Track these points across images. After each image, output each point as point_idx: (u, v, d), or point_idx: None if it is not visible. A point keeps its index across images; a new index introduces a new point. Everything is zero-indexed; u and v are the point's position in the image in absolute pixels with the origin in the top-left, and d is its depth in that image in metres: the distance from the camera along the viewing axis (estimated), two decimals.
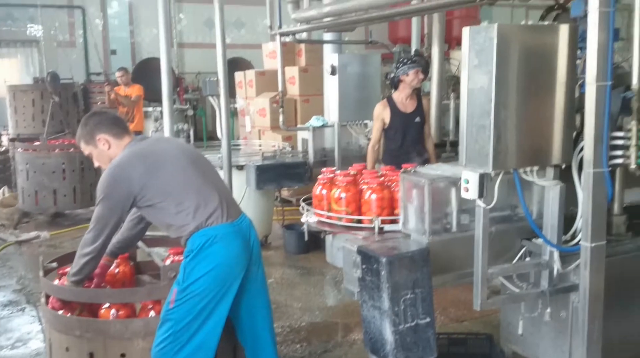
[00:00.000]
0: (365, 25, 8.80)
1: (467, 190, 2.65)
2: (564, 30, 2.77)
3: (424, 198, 2.83)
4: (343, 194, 3.24)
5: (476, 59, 2.66)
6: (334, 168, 3.60)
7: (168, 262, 3.23)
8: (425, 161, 4.71)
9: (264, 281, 3.07)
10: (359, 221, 3.20)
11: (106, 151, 2.94)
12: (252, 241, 2.95)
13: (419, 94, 5.03)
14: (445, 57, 7.46)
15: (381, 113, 4.88)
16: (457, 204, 2.88)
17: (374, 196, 3.18)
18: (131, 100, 8.71)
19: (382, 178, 3.31)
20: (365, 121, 6.16)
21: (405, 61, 4.77)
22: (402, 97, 4.81)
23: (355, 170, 3.49)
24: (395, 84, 4.84)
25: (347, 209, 3.22)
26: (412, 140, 4.86)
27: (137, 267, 3.43)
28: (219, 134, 5.38)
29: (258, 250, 3.00)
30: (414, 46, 7.42)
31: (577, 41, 2.82)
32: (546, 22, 3.26)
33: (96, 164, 3.02)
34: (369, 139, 5.98)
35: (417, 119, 4.85)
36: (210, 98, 5.21)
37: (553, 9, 3.55)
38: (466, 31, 2.71)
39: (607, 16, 2.63)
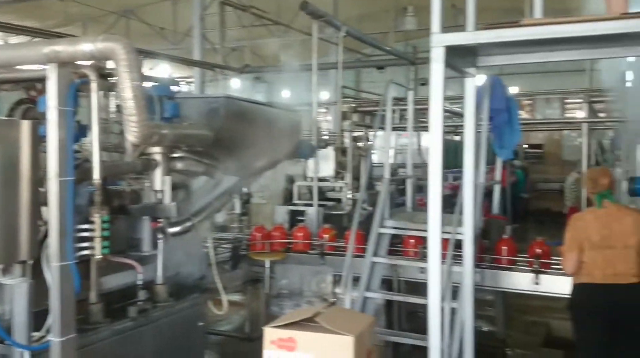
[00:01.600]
0: None
1: None
2: (25, 125, 2.78)
3: None
4: None
5: None
6: None
7: None
8: None
9: None
10: None
11: None
12: None
13: None
14: None
15: None
16: None
17: None
18: None
19: None
20: None
21: None
22: None
23: None
24: None
25: None
26: None
27: None
28: None
29: None
30: None
31: (40, 136, 2.86)
32: (10, 118, 3.24)
33: None
34: None
35: None
36: None
37: (23, 102, 3.53)
38: None
39: (66, 114, 2.76)
